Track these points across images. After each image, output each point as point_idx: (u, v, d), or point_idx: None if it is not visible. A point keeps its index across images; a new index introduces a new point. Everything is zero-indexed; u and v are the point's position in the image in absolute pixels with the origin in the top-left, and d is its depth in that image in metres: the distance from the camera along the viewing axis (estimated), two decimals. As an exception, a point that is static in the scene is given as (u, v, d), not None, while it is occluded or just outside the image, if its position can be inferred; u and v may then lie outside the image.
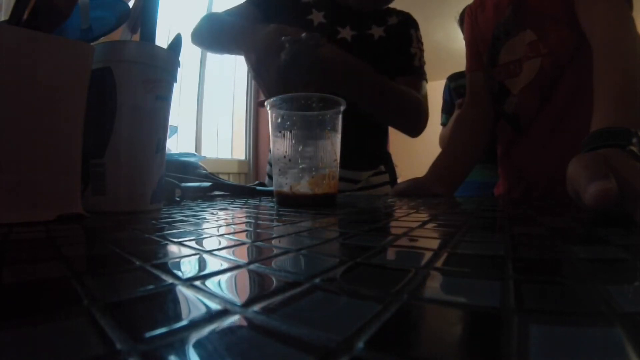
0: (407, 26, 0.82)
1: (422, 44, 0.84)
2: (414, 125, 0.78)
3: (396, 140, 1.88)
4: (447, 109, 1.57)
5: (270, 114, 0.44)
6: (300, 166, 0.42)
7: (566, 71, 0.59)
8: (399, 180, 0.81)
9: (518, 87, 0.65)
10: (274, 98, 0.42)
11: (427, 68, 0.83)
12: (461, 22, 1.47)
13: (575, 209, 0.31)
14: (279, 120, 0.43)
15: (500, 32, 0.67)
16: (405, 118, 0.76)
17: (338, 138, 0.44)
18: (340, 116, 0.44)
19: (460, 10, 1.43)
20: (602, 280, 0.11)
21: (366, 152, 0.84)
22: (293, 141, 0.42)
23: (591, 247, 0.16)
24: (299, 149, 0.42)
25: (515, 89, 0.65)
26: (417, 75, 0.80)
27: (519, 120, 0.67)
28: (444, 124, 1.62)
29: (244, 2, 0.80)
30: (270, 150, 0.45)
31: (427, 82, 0.82)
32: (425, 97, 0.79)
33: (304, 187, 0.42)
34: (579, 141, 0.35)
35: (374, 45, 0.79)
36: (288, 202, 0.43)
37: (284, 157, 0.42)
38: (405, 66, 0.79)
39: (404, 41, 0.81)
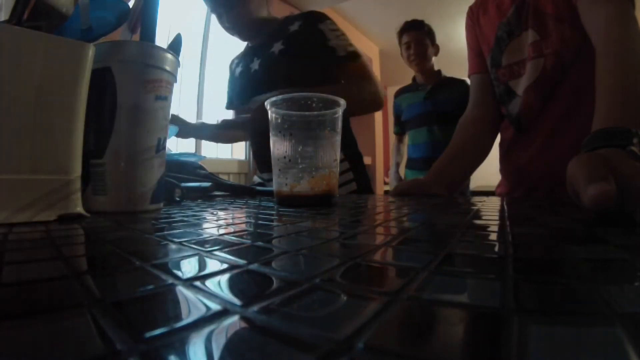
0: (312, 24, 0.82)
1: (339, 31, 0.82)
2: (371, 110, 0.84)
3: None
4: (397, 121, 1.76)
5: (270, 114, 0.44)
6: (300, 166, 0.42)
7: (569, 71, 0.59)
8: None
9: (522, 88, 0.64)
10: (274, 98, 0.42)
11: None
12: None
13: (575, 209, 0.31)
14: (279, 120, 0.43)
15: (503, 32, 0.67)
16: (362, 111, 0.82)
17: (338, 138, 0.44)
18: (340, 116, 0.44)
19: (462, 11, 1.46)
20: (602, 280, 0.11)
21: None
22: (293, 141, 0.42)
23: (591, 247, 0.16)
24: (299, 149, 0.42)
25: (520, 90, 0.65)
26: (352, 59, 0.79)
27: (520, 121, 0.67)
28: (396, 133, 1.82)
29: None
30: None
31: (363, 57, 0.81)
32: (371, 77, 0.80)
33: (303, 187, 0.42)
34: (580, 141, 0.35)
35: (276, 60, 0.82)
36: (288, 202, 0.43)
37: (284, 157, 0.42)
38: (332, 60, 0.79)
39: (316, 39, 0.80)
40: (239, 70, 0.94)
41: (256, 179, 0.95)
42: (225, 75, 1.04)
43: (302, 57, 0.80)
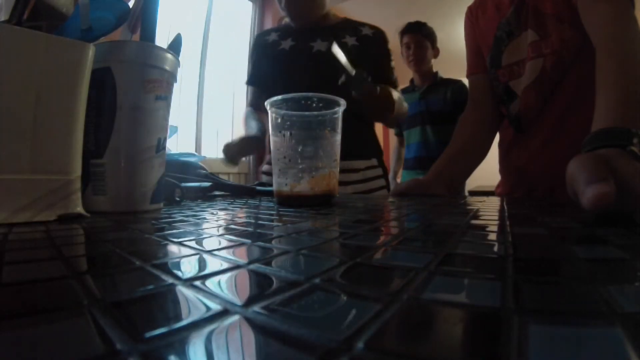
0: (384, 41, 0.92)
1: None
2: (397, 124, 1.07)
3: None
4: None
5: (270, 114, 0.44)
6: (300, 166, 0.42)
7: (569, 71, 0.59)
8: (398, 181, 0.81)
9: (521, 88, 0.64)
10: (274, 98, 0.42)
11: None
12: None
13: (575, 209, 0.31)
14: (279, 120, 0.43)
15: (503, 33, 0.66)
16: (398, 121, 1.03)
17: (338, 138, 0.44)
18: (340, 116, 0.44)
19: (462, 11, 1.47)
20: (602, 280, 0.11)
21: (360, 139, 0.90)
22: (293, 141, 0.42)
23: (591, 247, 0.16)
24: (299, 149, 0.42)
25: (519, 90, 0.65)
26: (396, 85, 0.94)
27: (520, 121, 0.67)
28: (396, 134, 1.85)
29: (250, 90, 1.02)
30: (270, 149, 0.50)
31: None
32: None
33: (303, 187, 0.42)
34: (580, 141, 0.35)
35: (348, 51, 0.85)
36: (288, 202, 0.43)
37: (284, 157, 0.42)
38: (388, 78, 0.90)
39: (381, 54, 0.91)
40: (288, 44, 0.92)
41: (264, 177, 0.95)
42: (226, 74, 1.03)
43: (371, 62, 0.86)
